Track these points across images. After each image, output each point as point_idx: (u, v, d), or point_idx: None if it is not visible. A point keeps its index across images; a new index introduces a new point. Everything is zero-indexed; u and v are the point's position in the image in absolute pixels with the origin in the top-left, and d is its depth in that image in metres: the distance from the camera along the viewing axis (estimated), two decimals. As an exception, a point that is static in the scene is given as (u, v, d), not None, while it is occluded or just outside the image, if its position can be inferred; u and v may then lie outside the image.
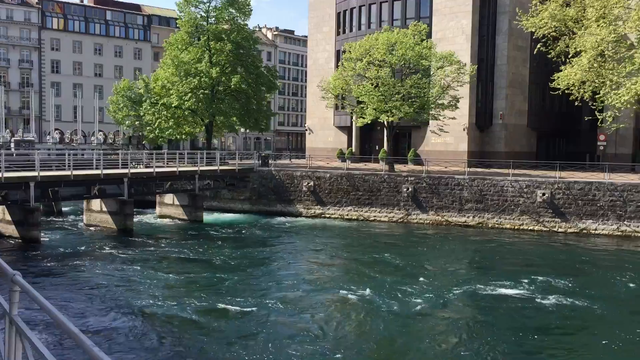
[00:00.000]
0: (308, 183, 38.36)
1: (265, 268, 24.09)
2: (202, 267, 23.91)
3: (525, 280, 21.85)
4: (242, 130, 55.59)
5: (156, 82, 45.92)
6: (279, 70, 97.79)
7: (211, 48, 44.46)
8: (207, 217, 36.81)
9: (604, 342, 15.94)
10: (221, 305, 18.29)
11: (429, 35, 45.05)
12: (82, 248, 27.41)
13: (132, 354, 14.33)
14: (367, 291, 20.19)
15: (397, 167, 42.64)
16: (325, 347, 15.10)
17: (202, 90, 43.38)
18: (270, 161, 43.13)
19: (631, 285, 21.81)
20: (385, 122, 41.11)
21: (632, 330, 16.87)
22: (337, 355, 14.51)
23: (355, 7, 53.16)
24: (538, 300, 19.59)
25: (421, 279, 22.36)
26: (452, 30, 46.88)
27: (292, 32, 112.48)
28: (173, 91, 43.56)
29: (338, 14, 55.36)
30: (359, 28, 52.68)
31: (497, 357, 14.69)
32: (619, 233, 31.35)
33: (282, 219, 36.87)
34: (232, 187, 40.10)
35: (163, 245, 28.62)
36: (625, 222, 31.53)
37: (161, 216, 37.50)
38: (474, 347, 15.36)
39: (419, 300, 19.23)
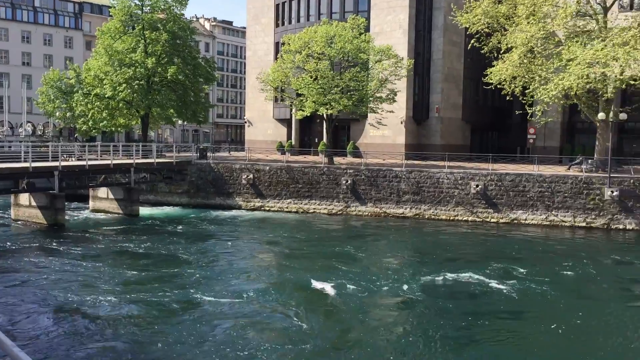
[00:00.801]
0: (247, 176, 38.08)
1: (202, 262, 23.76)
2: (136, 262, 23.35)
3: (462, 269, 22.50)
4: (180, 122, 54.55)
5: (88, 72, 44.31)
6: (218, 62, 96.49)
7: (146, 38, 43.29)
8: (144, 211, 35.96)
9: (540, 323, 16.66)
10: (154, 299, 17.95)
11: (367, 29, 45.52)
12: (9, 244, 26.22)
13: (57, 352, 13.83)
14: (308, 283, 20.28)
15: (337, 159, 42.93)
16: (265, 341, 15.06)
17: (137, 81, 42.21)
18: (208, 154, 42.51)
19: (561, 270, 22.80)
20: (325, 115, 41.29)
21: (565, 310, 17.70)
22: (278, 348, 14.50)
23: (294, 0, 52.99)
24: (477, 286, 20.26)
25: (361, 269, 22.64)
26: (390, 25, 47.49)
27: (230, 23, 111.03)
28: (107, 81, 42.18)
29: (277, 6, 55.05)
30: (298, 20, 52.59)
31: (444, 342, 15.08)
32: (547, 223, 32.72)
33: (221, 212, 36.48)
34: (170, 180, 39.32)
35: (96, 240, 27.76)
36: (552, 212, 32.93)
37: (95, 210, 36.35)
38: (419, 334, 15.70)
39: (359, 289, 19.48)
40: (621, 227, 31.71)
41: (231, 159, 43.50)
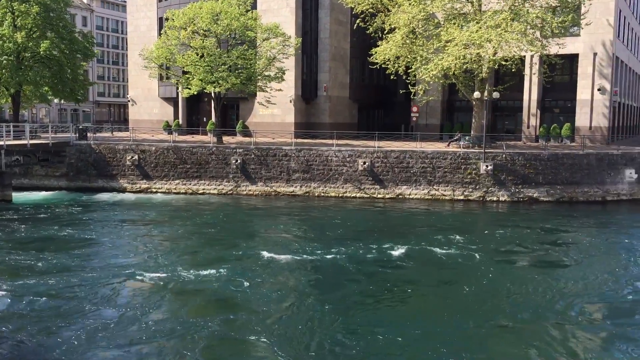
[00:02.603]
0: (132, 157, 36.57)
1: (82, 248, 22.60)
2: (10, 250, 21.76)
3: (351, 244, 23.13)
4: (57, 101, 51.09)
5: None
6: (97, 37, 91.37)
7: (14, 10, 39.90)
8: (17, 196, 33.51)
9: (426, 287, 17.54)
10: (33, 289, 16.88)
11: (254, 6, 44.93)
12: None
13: None
14: (192, 267, 19.95)
15: (226, 139, 42.34)
16: (148, 331, 14.68)
17: (6, 57, 38.95)
18: (89, 134, 40.26)
19: (442, 240, 24.10)
20: (213, 94, 40.48)
21: (453, 275, 18.78)
22: (159, 339, 14.19)
23: (177, -27, 51.09)
24: (365, 259, 20.92)
25: (247, 249, 22.61)
26: (277, 2, 47.18)
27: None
28: (-31, 57, 38.56)
29: (160, -21, 52.85)
30: (183, -5, 50.80)
31: (334, 317, 15.43)
32: (429, 197, 34.39)
33: (105, 195, 34.83)
34: (46, 162, 36.83)
35: (-37, 229, 25.52)
36: (434, 187, 34.64)
37: (-40, 198, 33.34)
38: (313, 310, 15.95)
39: (251, 269, 19.46)
40: (495, 198, 34.01)
41: (114, 139, 41.53)
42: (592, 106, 43.34)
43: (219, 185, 36.12)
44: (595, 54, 42.75)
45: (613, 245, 25.09)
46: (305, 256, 21.66)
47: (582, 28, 40.91)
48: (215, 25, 38.03)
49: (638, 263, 21.76)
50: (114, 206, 31.82)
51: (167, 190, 36.00)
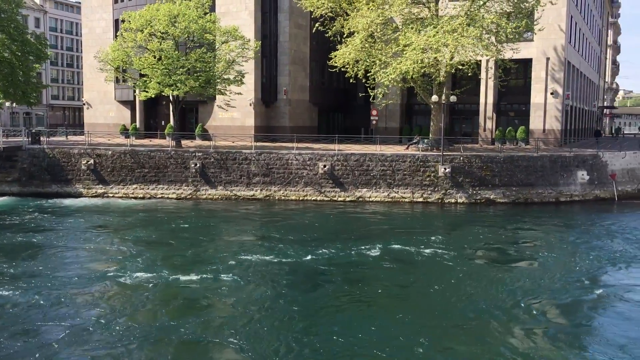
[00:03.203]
0: (87, 161, 35.77)
1: (35, 255, 21.97)
2: (-40, 260, 20.99)
3: (310, 247, 23.14)
4: (8, 104, 49.58)
5: None
6: (50, 39, 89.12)
7: (-37, 9, 38.64)
8: (-34, 203, 32.37)
9: (378, 289, 17.66)
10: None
11: (212, 9, 44.60)
12: None
13: None
14: (151, 273, 19.63)
15: (185, 142, 41.85)
16: (108, 339, 14.37)
17: (-47, 58, 37.70)
18: (42, 138, 39.22)
19: (401, 241, 24.33)
20: (171, 97, 39.96)
21: (412, 276, 18.97)
22: (120, 347, 13.90)
23: (134, -26, 50.32)
24: (325, 262, 20.94)
25: (210, 254, 22.40)
26: (236, 5, 46.94)
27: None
28: None
29: (115, -19, 51.93)
30: (139, -3, 50.04)
31: (295, 320, 15.38)
32: (389, 199, 34.70)
33: (59, 200, 33.93)
34: (-3, 168, 35.69)
35: None
36: (394, 189, 34.97)
37: None
38: (273, 315, 15.87)
39: (215, 273, 19.26)
40: (453, 200, 34.55)
41: (69, 143, 40.53)
42: (545, 109, 44.51)
43: (178, 189, 35.64)
44: (548, 59, 43.92)
45: (567, 244, 25.80)
46: (267, 259, 21.55)
47: (535, 33, 41.99)
48: (172, 27, 37.59)
49: (590, 262, 22.42)
50: (69, 212, 31.03)
51: (124, 195, 35.33)
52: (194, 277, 19.11)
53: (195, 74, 38.50)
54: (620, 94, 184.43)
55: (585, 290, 18.89)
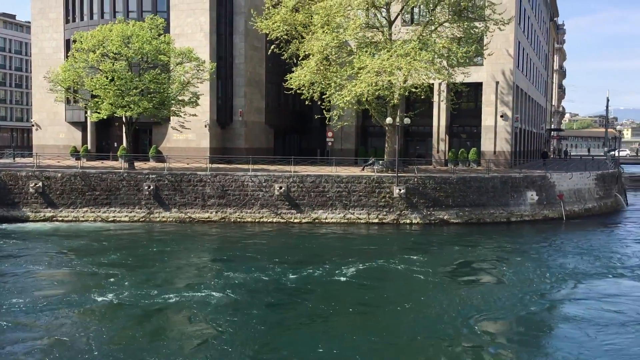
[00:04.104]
0: (35, 184, 34.71)
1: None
2: None
3: (269, 268, 22.94)
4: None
5: None
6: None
7: None
8: None
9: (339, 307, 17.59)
10: None
11: (167, 30, 44.33)
12: None
13: None
14: (105, 297, 19.08)
15: (138, 164, 41.14)
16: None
17: None
18: (-12, 161, 37.89)
19: (355, 263, 24.38)
20: (124, 118, 39.32)
21: (369, 298, 18.96)
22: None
23: (86, -5, 49.63)
24: (279, 283, 20.77)
25: (163, 278, 21.91)
26: (191, 27, 46.79)
27: (13, 16, 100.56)
28: None
29: (66, 0, 51.08)
30: (91, 17, 49.34)
31: (250, 342, 15.16)
32: (345, 220, 34.82)
33: (4, 225, 32.71)
34: (-62, 191, 34.25)
35: None
36: (349, 211, 35.12)
37: None
38: (230, 337, 15.58)
39: (164, 299, 18.83)
40: (408, 221, 34.93)
41: (16, 165, 39.29)
42: (495, 132, 45.72)
43: (131, 212, 34.91)
44: (497, 83, 45.27)
45: (518, 263, 26.31)
46: (221, 282, 21.23)
47: (485, 58, 43.30)
48: (126, 48, 37.14)
49: (541, 280, 22.94)
50: (15, 236, 29.90)
51: (74, 219, 34.37)
52: (148, 301, 18.65)
53: (149, 95, 38.05)
54: (567, 116, 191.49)
55: (537, 307, 19.28)
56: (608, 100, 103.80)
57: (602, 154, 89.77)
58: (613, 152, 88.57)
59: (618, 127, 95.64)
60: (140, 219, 34.58)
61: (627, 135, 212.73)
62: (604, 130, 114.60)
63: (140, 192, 35.12)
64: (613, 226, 37.47)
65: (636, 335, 16.66)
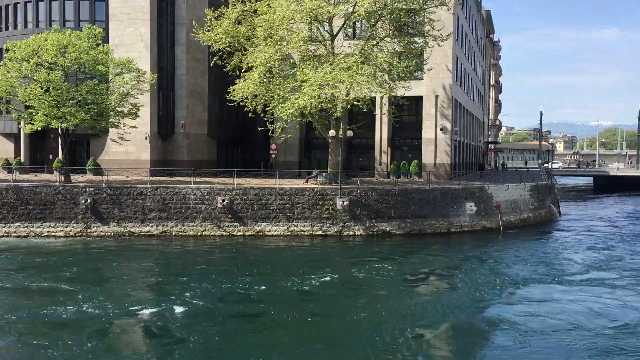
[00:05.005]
0: (-37, 198, 33.04)
1: None
2: None
3: (212, 281, 22.56)
4: None
5: None
6: None
7: None
8: None
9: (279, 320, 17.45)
10: None
11: (105, 39, 43.36)
12: None
13: None
14: (38, 316, 18.30)
15: (75, 177, 39.86)
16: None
17: None
18: None
19: (299, 275, 24.33)
20: (60, 130, 38.04)
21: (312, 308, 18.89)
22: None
23: (19, 3, 47.97)
24: (222, 299, 20.45)
25: (103, 295, 21.21)
26: (131, 37, 45.90)
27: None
28: None
29: (-1, 8, 49.25)
30: (25, 26, 47.71)
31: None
32: (289, 233, 34.73)
33: None
34: None
35: None
36: (293, 223, 35.07)
37: None
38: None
39: (107, 317, 18.20)
40: (351, 233, 35.17)
41: (-58, 179, 37.31)
42: (436, 144, 46.79)
43: (67, 227, 33.71)
44: (437, 97, 46.41)
45: (458, 272, 26.88)
46: (161, 298, 20.73)
47: (425, 72, 44.37)
48: (62, 58, 36.03)
49: (478, 288, 23.52)
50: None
51: (5, 234, 32.89)
52: (84, 321, 18.00)
53: (86, 106, 36.98)
54: (503, 130, 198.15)
55: (475, 315, 19.75)
56: (541, 114, 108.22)
57: (537, 166, 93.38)
58: (546, 165, 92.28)
59: (551, 140, 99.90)
60: (77, 234, 33.42)
61: (560, 147, 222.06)
62: (538, 143, 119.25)
63: (77, 206, 33.99)
64: (547, 235, 38.88)
65: (564, 340, 17.23)
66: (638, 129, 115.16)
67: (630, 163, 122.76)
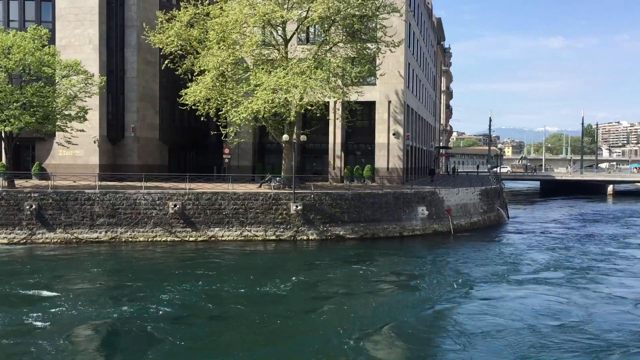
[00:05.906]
0: None
1: None
2: None
3: (161, 289, 22.14)
4: None
5: None
6: None
7: None
8: None
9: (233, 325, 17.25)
10: None
11: (52, 41, 42.12)
12: None
13: None
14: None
15: (19, 182, 38.44)
16: None
17: None
18: None
19: (250, 282, 24.16)
20: (3, 133, 36.70)
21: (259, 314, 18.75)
22: None
23: (-39, 0, 46.13)
24: (174, 307, 20.10)
25: (46, 305, 20.53)
26: (79, 39, 44.75)
27: None
28: None
29: (-62, 5, 47.17)
30: (-33, 24, 45.87)
31: None
32: (242, 238, 34.45)
33: None
34: None
35: None
36: (247, 228, 34.82)
37: None
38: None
39: (47, 328, 17.61)
40: (305, 237, 35.16)
41: None
42: (388, 149, 47.31)
43: (10, 233, 32.52)
44: (389, 102, 46.97)
45: (410, 275, 27.22)
46: (112, 306, 20.21)
47: (378, 78, 44.86)
48: (6, 59, 34.83)
49: (429, 289, 23.87)
50: None
51: (-56, 242, 31.48)
52: (28, 331, 17.37)
53: (31, 109, 35.80)
54: (454, 135, 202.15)
55: (425, 316, 20.03)
56: (491, 120, 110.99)
57: (486, 170, 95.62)
58: (495, 169, 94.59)
59: (500, 145, 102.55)
60: (21, 241, 32.28)
61: (509, 152, 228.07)
62: (487, 148, 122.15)
63: (21, 212, 32.83)
64: (496, 238, 39.84)
65: (507, 338, 17.62)
66: (582, 135, 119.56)
67: (573, 165, 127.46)
